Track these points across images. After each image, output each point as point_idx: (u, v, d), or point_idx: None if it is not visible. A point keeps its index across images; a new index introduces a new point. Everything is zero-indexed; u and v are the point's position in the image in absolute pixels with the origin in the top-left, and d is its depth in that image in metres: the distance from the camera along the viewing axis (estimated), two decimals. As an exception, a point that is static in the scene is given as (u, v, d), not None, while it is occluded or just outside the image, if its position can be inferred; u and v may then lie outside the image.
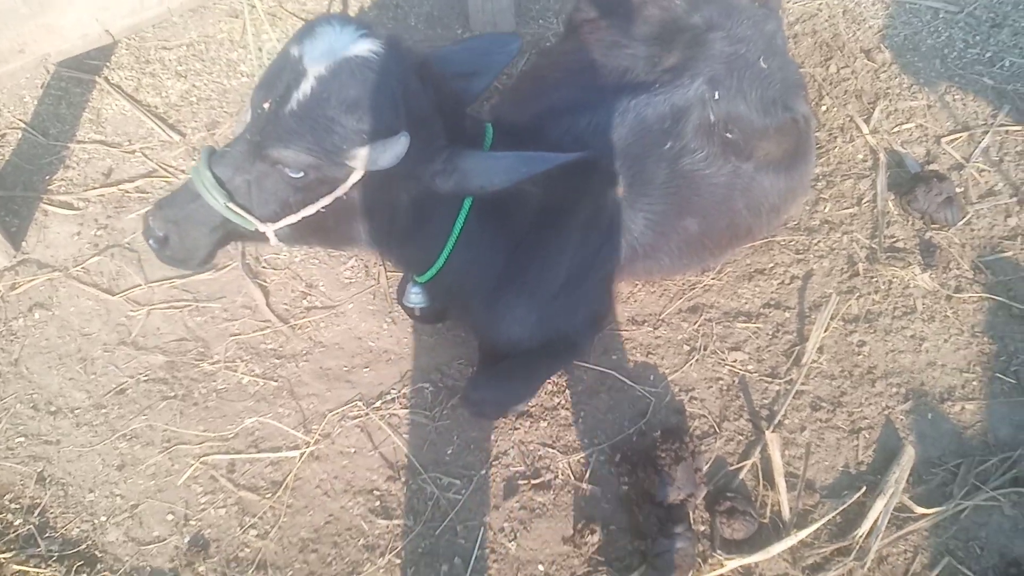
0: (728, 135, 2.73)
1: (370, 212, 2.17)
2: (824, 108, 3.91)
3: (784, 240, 3.38)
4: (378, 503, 2.67)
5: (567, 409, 2.89)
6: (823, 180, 3.61)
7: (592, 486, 2.68)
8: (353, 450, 2.79)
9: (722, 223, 2.87)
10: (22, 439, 2.82)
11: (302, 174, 2.00)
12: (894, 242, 3.35)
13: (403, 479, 2.72)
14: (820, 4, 4.44)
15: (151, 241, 2.11)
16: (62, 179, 3.57)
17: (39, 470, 2.75)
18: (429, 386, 2.94)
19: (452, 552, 2.55)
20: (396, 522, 2.62)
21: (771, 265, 3.32)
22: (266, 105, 1.97)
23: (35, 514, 2.66)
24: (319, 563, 2.55)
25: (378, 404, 2.89)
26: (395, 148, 1.94)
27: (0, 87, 3.91)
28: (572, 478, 2.71)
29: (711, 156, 2.70)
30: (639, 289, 3.25)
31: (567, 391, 2.93)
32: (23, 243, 3.37)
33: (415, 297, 2.69)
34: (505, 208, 2.37)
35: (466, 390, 2.75)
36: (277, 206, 2.08)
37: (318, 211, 2.08)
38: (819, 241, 3.38)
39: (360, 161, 1.96)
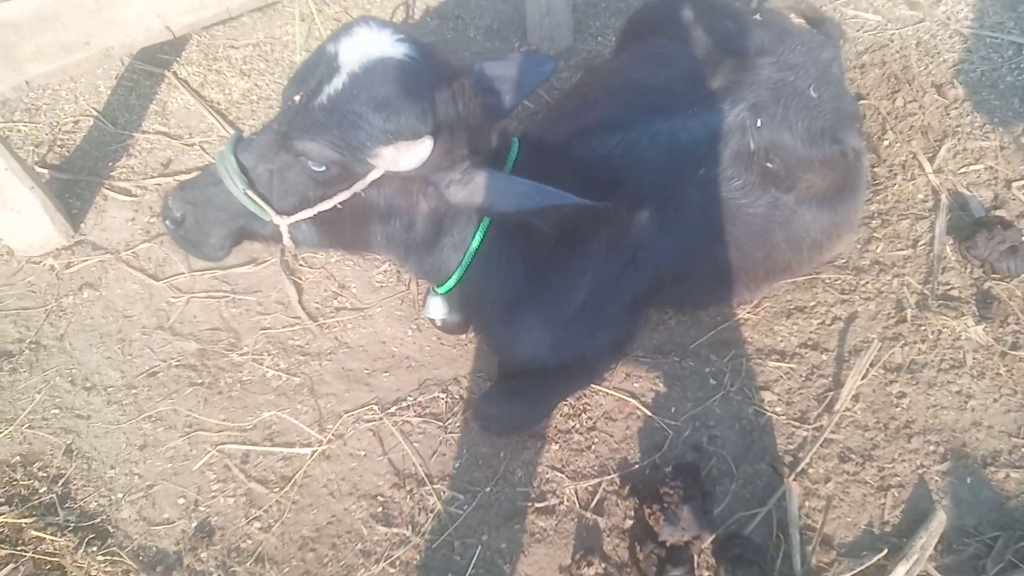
0: (769, 164, 2.63)
1: (387, 215, 2.17)
2: (886, 143, 3.73)
3: (829, 278, 3.24)
4: (380, 509, 2.67)
5: (581, 434, 2.83)
6: (878, 218, 3.44)
7: (597, 516, 2.61)
8: (363, 453, 2.80)
9: (758, 255, 2.77)
10: (57, 411, 2.94)
11: (324, 168, 2.01)
12: (948, 290, 3.16)
13: (408, 488, 2.71)
14: (892, 35, 4.26)
15: (167, 221, 2.16)
16: (124, 166, 3.73)
17: (68, 442, 2.87)
18: (445, 396, 2.94)
19: (446, 568, 2.53)
20: (395, 530, 2.61)
21: (812, 303, 3.18)
22: (297, 98, 2.00)
23: (59, 484, 2.77)
24: (315, 563, 2.56)
25: (393, 410, 2.90)
26: (418, 151, 1.95)
27: (76, 77, 4.13)
28: (577, 505, 2.65)
29: (749, 185, 2.61)
30: (670, 317, 3.16)
31: (583, 415, 2.88)
32: (81, 225, 3.53)
33: (435, 308, 2.69)
34: (526, 224, 2.33)
35: (477, 404, 2.74)
36: (296, 199, 2.10)
37: (334, 207, 2.09)
38: (867, 282, 3.22)
39: (382, 160, 1.97)
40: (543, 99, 3.96)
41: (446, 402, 2.92)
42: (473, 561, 2.53)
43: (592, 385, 2.90)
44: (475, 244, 2.31)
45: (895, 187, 3.56)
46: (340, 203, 2.08)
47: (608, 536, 2.58)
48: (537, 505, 2.65)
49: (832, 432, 2.78)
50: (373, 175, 2.03)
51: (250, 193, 2.06)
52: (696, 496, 2.48)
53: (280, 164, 2.06)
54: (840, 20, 4.36)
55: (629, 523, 2.59)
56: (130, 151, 3.80)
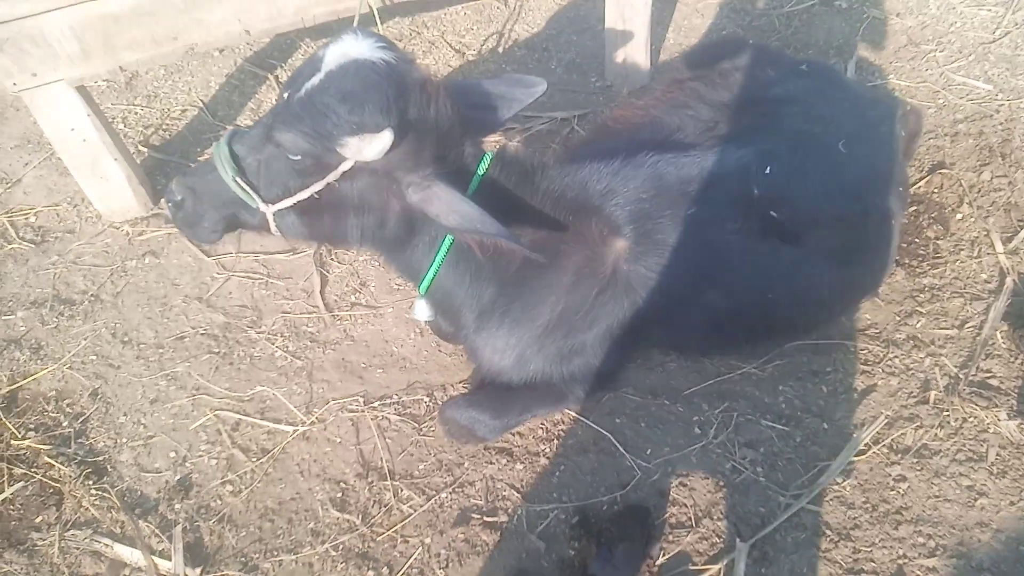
0: (773, 213, 2.54)
1: (360, 210, 2.29)
2: (959, 216, 3.47)
3: (855, 346, 3.04)
4: (340, 495, 2.76)
5: (549, 459, 2.81)
6: (927, 292, 3.20)
7: (540, 541, 2.57)
8: (339, 440, 2.92)
9: (755, 306, 2.66)
10: (94, 357, 3.28)
11: (299, 157, 2.17)
12: (987, 378, 2.88)
13: (370, 480, 2.79)
14: (1000, 106, 3.97)
15: (169, 203, 2.38)
16: (210, 154, 4.11)
17: (96, 386, 3.18)
18: (428, 400, 3.01)
19: (384, 561, 2.58)
20: (347, 517, 2.69)
21: (829, 370, 2.99)
22: (286, 95, 2.18)
23: (79, 421, 3.07)
24: (270, 533, 2.69)
25: (376, 404, 3.00)
26: (378, 142, 2.06)
27: (193, 71, 4.62)
28: (525, 526, 2.62)
29: (746, 231, 2.53)
30: (672, 360, 3.08)
31: (556, 441, 2.85)
32: (162, 200, 3.92)
33: (421, 310, 2.77)
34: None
35: (443, 407, 2.79)
36: (279, 188, 2.26)
37: (311, 197, 2.23)
38: (896, 357, 2.99)
39: (349, 149, 2.09)
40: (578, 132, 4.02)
41: (427, 405, 2.99)
42: (410, 560, 2.56)
43: (570, 413, 2.88)
44: (445, 247, 2.38)
45: (957, 263, 3.30)
46: (316, 193, 2.22)
47: (547, 563, 2.53)
48: (486, 519, 2.65)
49: (811, 503, 2.59)
50: (344, 166, 2.15)
51: (239, 180, 2.23)
52: (637, 539, 2.40)
53: (266, 155, 2.23)
54: (944, 84, 4.13)
55: (571, 554, 2.53)
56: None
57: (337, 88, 2.03)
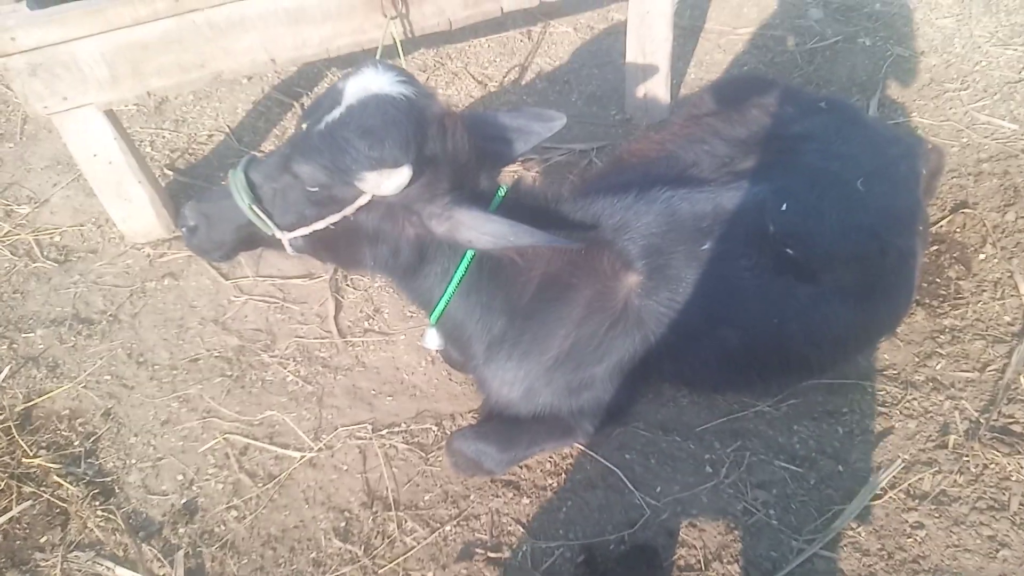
0: (788, 250, 2.51)
1: (375, 239, 2.30)
2: (982, 256, 3.41)
3: (872, 386, 2.98)
4: (343, 524, 2.74)
5: (556, 493, 2.76)
6: (948, 333, 3.13)
7: (544, 579, 2.53)
8: (345, 468, 2.90)
9: (769, 344, 2.61)
10: (109, 377, 3.30)
11: (317, 189, 2.18)
12: (1010, 423, 2.80)
13: (374, 509, 2.76)
14: (1026, 146, 3.92)
15: (183, 228, 2.41)
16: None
17: (110, 406, 3.20)
18: (437, 429, 2.99)
19: (385, 594, 2.54)
20: (349, 547, 2.66)
21: (845, 410, 2.93)
22: (304, 125, 2.21)
23: (90, 440, 3.08)
24: (271, 561, 2.67)
25: (384, 432, 2.99)
26: (397, 178, 2.07)
27: (222, 97, 4.72)
28: (529, 564, 2.57)
29: (761, 268, 2.50)
30: (684, 396, 3.03)
31: (564, 475, 2.81)
32: (183, 222, 3.98)
33: (431, 338, 2.76)
34: (506, 267, 2.38)
35: (450, 438, 2.76)
36: (294, 216, 2.28)
37: (327, 227, 2.25)
38: (915, 399, 2.93)
39: (367, 184, 2.11)
40: (596, 164, 4.02)
41: (436, 435, 2.97)
42: (411, 594, 2.53)
43: (579, 447, 2.84)
44: (457, 278, 2.37)
45: (979, 304, 3.24)
46: (332, 224, 2.24)
47: (549, 602, 2.48)
48: (490, 554, 2.60)
49: (824, 549, 2.52)
50: (361, 200, 2.17)
51: (255, 208, 2.25)
52: (643, 580, 2.34)
53: (283, 184, 2.24)
54: (968, 123, 4.09)
55: (574, 594, 2.48)
56: (239, 165, 4.25)
57: (357, 123, 2.04)
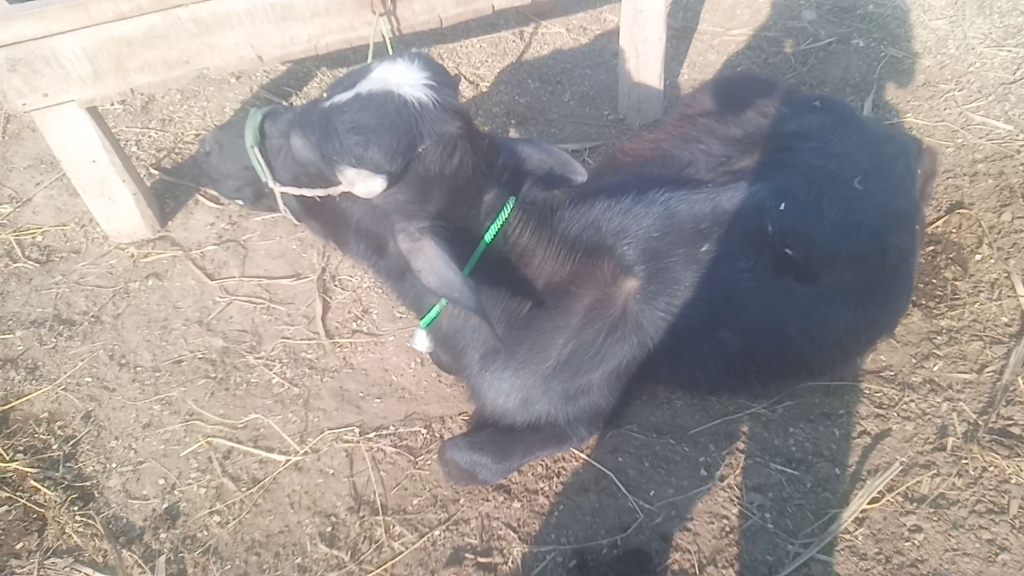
0: (787, 251, 2.46)
1: (359, 233, 2.24)
2: (979, 257, 3.38)
3: (869, 388, 2.93)
4: (330, 529, 2.67)
5: (548, 497, 2.70)
6: (944, 334, 3.09)
7: (535, 584, 2.46)
8: (332, 471, 2.83)
9: (769, 346, 2.57)
10: (90, 379, 3.22)
11: (303, 160, 2.13)
12: (1008, 425, 2.75)
13: (361, 514, 2.69)
14: (1021, 146, 3.90)
15: (201, 151, 2.38)
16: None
17: (90, 409, 3.12)
18: (425, 432, 2.92)
19: (372, 601, 2.47)
20: (336, 553, 2.59)
21: (842, 412, 2.88)
22: (324, 95, 2.15)
23: (69, 444, 3.00)
24: (256, 567, 2.59)
25: (372, 435, 2.92)
26: (370, 183, 2.01)
27: (209, 96, 4.65)
28: (520, 568, 2.51)
29: (760, 269, 2.45)
30: (679, 397, 2.98)
31: (556, 479, 2.75)
32: (169, 222, 3.91)
33: (420, 340, 2.70)
34: (505, 276, 2.31)
35: (443, 447, 2.69)
36: (289, 176, 2.22)
37: (315, 199, 2.18)
38: (912, 401, 2.88)
39: (344, 178, 2.05)
40: (589, 164, 3.98)
41: (424, 438, 2.90)
42: (398, 601, 2.45)
43: (572, 450, 2.77)
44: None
45: (976, 305, 3.20)
46: (319, 198, 2.17)
47: (541, 608, 2.41)
48: (480, 559, 2.54)
49: (821, 553, 2.46)
50: (337, 190, 2.11)
51: (256, 151, 2.20)
52: (636, 585, 2.28)
53: (287, 143, 2.18)
54: (963, 124, 4.07)
55: (566, 600, 2.41)
56: (225, 165, 4.17)
57: (354, 115, 1.97)
